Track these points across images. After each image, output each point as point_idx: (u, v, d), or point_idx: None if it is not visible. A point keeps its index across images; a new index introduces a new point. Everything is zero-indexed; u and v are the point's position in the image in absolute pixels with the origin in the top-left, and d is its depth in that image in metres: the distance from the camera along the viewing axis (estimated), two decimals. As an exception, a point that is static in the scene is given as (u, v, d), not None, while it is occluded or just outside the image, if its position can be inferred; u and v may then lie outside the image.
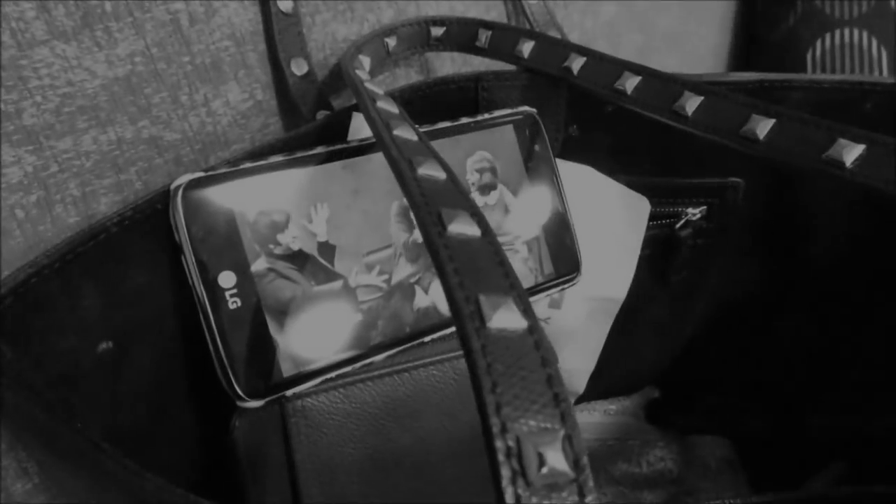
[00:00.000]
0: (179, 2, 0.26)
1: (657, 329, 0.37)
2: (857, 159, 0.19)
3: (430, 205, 0.14)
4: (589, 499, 0.11)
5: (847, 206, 0.30)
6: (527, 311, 0.13)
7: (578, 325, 0.31)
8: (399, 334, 0.24)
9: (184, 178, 0.21)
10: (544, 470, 0.11)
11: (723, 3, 0.63)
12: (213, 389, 0.22)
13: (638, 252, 0.31)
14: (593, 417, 0.38)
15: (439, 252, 0.13)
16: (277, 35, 0.28)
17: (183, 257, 0.21)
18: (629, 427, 0.38)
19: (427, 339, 0.24)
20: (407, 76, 0.35)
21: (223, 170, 0.21)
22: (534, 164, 0.28)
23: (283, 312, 0.22)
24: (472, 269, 0.13)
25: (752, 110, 0.22)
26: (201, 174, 0.21)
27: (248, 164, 0.22)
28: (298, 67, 0.29)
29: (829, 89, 0.27)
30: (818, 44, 0.59)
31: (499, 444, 0.11)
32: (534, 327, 0.13)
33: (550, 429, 0.11)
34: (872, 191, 0.18)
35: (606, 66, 0.26)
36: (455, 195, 0.15)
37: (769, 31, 0.63)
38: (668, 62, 0.56)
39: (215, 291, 0.21)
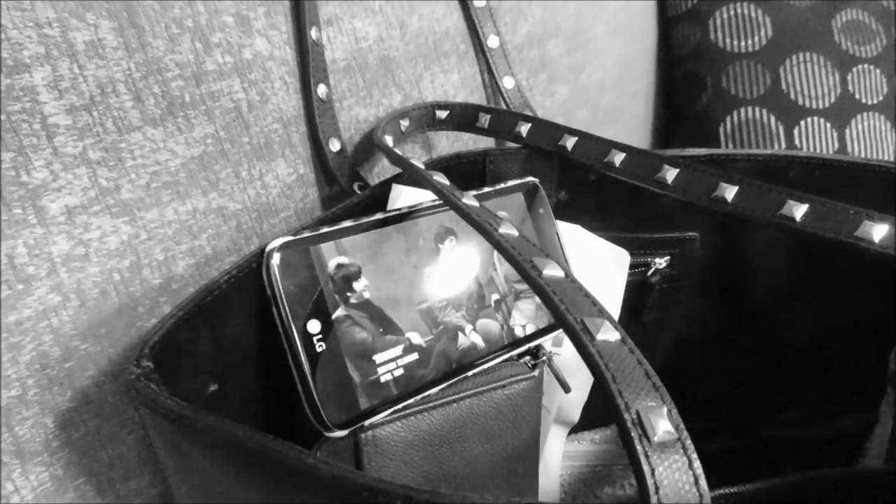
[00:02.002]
0: (240, 92, 0.30)
1: (631, 364, 0.42)
2: (804, 215, 0.25)
3: (571, 313, 0.18)
4: (690, 453, 0.15)
5: (783, 252, 0.37)
6: (617, 328, 0.18)
7: (576, 362, 0.36)
8: (447, 370, 0.28)
9: (276, 242, 0.25)
10: (658, 433, 0.15)
11: (648, 84, 0.72)
12: (289, 426, 0.25)
13: (622, 296, 0.37)
14: (583, 446, 0.42)
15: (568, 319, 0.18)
16: (318, 119, 0.33)
17: (275, 309, 0.24)
18: (613, 453, 0.43)
19: (470, 373, 0.29)
20: (412, 150, 0.40)
21: (306, 234, 0.25)
22: (539, 224, 0.33)
23: (357, 354, 0.26)
24: (574, 302, 0.18)
25: (720, 179, 0.28)
26: (290, 238, 0.25)
27: (325, 229, 0.26)
28: (334, 145, 0.33)
29: (763, 160, 0.35)
30: (728, 119, 0.70)
31: (626, 416, 0.15)
32: (625, 339, 0.17)
33: (657, 406, 0.16)
34: (821, 239, 0.25)
35: (596, 143, 0.33)
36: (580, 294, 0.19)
37: (686, 107, 0.73)
38: (608, 133, 0.64)
39: (305, 337, 0.24)
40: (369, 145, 0.36)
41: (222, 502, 0.19)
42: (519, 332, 0.31)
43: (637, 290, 0.39)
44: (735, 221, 0.38)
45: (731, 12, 0.70)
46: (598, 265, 0.36)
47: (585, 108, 0.59)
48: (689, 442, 0.15)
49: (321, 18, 0.33)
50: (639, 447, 0.15)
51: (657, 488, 0.15)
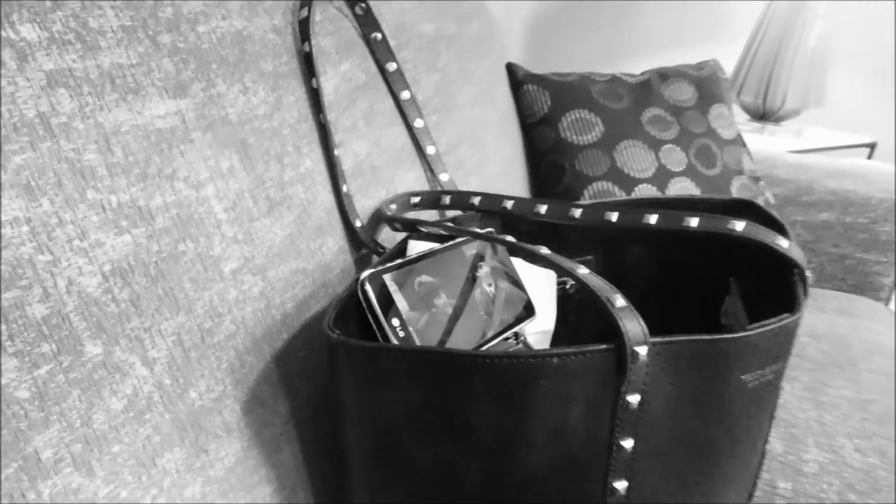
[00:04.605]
0: (303, 193, 0.45)
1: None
2: (697, 224, 0.45)
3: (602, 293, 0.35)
4: (637, 315, 0.32)
5: (646, 263, 0.57)
6: (618, 294, 0.35)
7: (533, 339, 0.53)
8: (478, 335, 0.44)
9: (365, 273, 0.40)
10: (617, 304, 0.32)
11: (523, 172, 0.95)
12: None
13: (555, 303, 0.54)
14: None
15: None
16: (347, 206, 0.49)
17: (370, 315, 0.39)
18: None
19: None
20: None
21: (380, 267, 0.41)
22: (501, 258, 0.51)
23: (420, 336, 0.41)
24: (602, 289, 0.35)
25: (605, 209, 0.48)
26: (374, 270, 0.40)
27: (388, 265, 0.41)
28: (357, 224, 0.49)
29: (632, 201, 0.55)
30: (585, 192, 0.93)
31: (607, 303, 0.32)
32: (615, 293, 0.35)
33: (618, 296, 0.33)
34: (706, 235, 0.44)
35: (527, 202, 0.51)
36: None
37: (553, 187, 0.96)
38: (505, 211, 0.84)
39: (393, 330, 0.39)
40: (376, 222, 0.52)
41: (396, 410, 0.33)
42: (505, 324, 0.47)
43: (561, 302, 0.57)
44: (615, 245, 0.58)
45: (573, 117, 0.95)
46: (538, 283, 0.54)
47: (490, 191, 0.79)
48: (635, 311, 0.33)
49: (336, 142, 0.50)
50: (614, 311, 0.32)
51: (626, 331, 0.32)
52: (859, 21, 1.87)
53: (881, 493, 0.59)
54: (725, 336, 0.33)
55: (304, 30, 0.48)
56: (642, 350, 0.31)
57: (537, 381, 0.30)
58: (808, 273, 0.40)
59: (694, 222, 0.43)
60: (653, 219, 0.45)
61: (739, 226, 0.41)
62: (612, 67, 2.11)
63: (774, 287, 0.44)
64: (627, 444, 0.33)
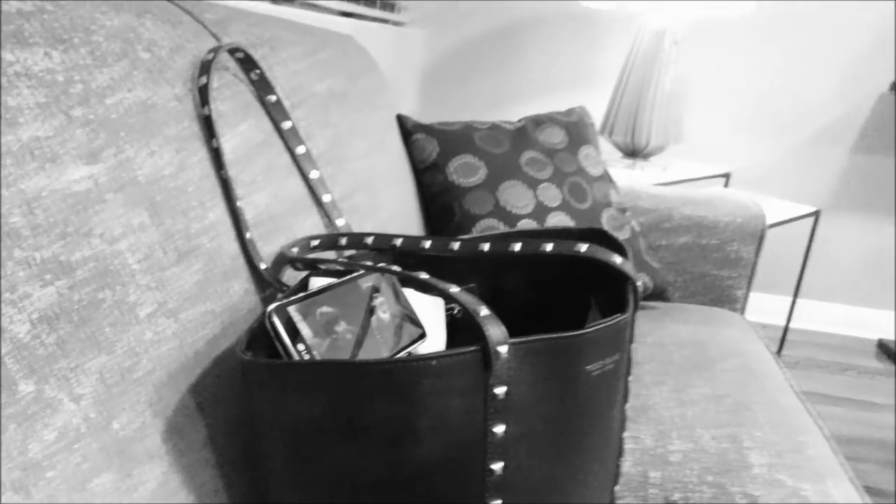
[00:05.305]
0: (209, 243, 0.50)
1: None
2: (552, 247, 0.53)
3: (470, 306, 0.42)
4: (497, 321, 0.40)
5: (520, 285, 0.65)
6: (483, 304, 0.42)
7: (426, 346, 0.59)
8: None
9: (272, 306, 0.45)
10: (482, 313, 0.40)
11: (417, 215, 1.03)
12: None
13: (444, 327, 0.61)
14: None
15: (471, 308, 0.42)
16: (251, 252, 0.54)
17: (277, 343, 0.44)
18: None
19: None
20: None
21: (284, 300, 0.46)
22: (395, 288, 0.57)
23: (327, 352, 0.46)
24: (471, 303, 0.42)
25: (482, 241, 0.56)
26: (279, 303, 0.46)
27: (291, 298, 0.47)
28: (261, 266, 0.54)
29: (501, 234, 0.63)
30: (473, 229, 1.02)
31: (474, 313, 0.40)
32: (482, 307, 0.42)
33: (484, 307, 0.40)
34: (560, 258, 0.52)
35: (413, 239, 0.58)
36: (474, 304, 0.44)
37: (445, 227, 1.05)
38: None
39: (299, 354, 0.45)
40: (279, 264, 0.58)
41: (303, 419, 0.38)
42: (400, 346, 0.54)
43: (449, 326, 0.64)
44: (494, 273, 0.66)
45: (459, 162, 1.05)
46: (427, 309, 0.61)
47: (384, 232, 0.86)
48: (497, 318, 0.40)
49: (238, 196, 0.55)
50: (479, 319, 0.39)
51: (490, 334, 0.39)
52: (712, 66, 2.13)
53: (731, 472, 0.69)
54: (570, 334, 0.41)
55: (203, 95, 0.54)
56: (503, 349, 0.39)
57: (420, 381, 0.37)
58: (638, 283, 0.50)
59: (549, 247, 0.51)
60: (517, 246, 0.53)
61: (583, 247, 0.50)
62: (500, 111, 2.27)
63: (619, 297, 0.53)
64: (499, 429, 0.40)
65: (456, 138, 1.08)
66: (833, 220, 2.19)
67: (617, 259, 0.49)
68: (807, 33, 2.03)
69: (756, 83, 2.10)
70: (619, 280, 0.53)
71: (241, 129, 0.59)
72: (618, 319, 0.43)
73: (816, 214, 1.75)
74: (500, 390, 0.39)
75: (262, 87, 0.64)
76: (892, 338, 2.25)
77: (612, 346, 0.43)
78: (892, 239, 2.17)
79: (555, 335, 0.40)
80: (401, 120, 1.12)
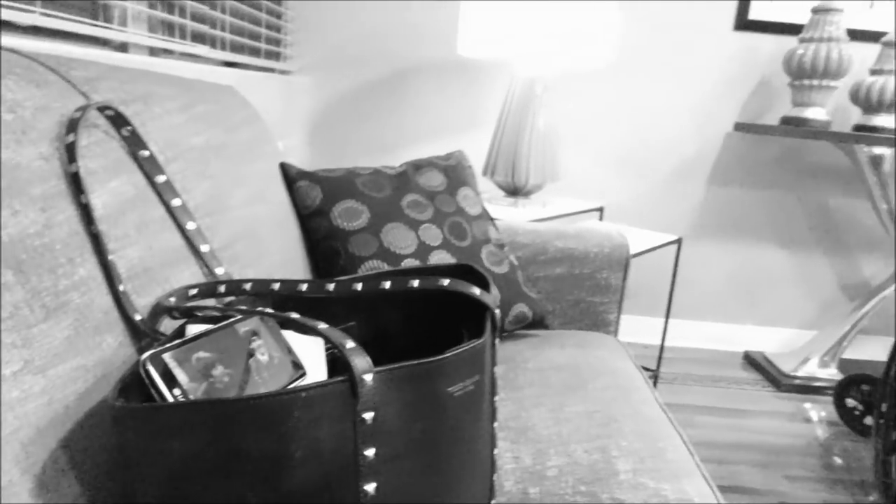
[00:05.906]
0: (79, 298, 0.51)
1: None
2: (418, 283, 0.57)
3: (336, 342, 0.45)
4: (363, 355, 0.43)
5: (397, 321, 0.69)
6: (351, 339, 0.46)
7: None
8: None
9: (146, 354, 0.46)
10: (348, 346, 0.43)
11: (304, 260, 1.05)
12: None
13: (325, 364, 0.64)
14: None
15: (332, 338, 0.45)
16: (126, 304, 0.54)
17: (153, 390, 0.45)
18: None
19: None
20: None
21: (160, 348, 0.48)
22: (274, 330, 0.59)
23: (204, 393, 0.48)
24: (339, 338, 0.46)
25: (355, 282, 0.59)
26: (154, 351, 0.47)
27: (165, 346, 0.48)
28: (136, 318, 0.55)
29: (377, 274, 0.67)
30: (359, 271, 1.06)
31: (340, 346, 0.43)
32: (349, 344, 0.45)
33: (353, 344, 0.44)
34: (425, 293, 0.56)
35: (290, 283, 0.61)
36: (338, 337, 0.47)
37: (331, 269, 1.08)
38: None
39: (175, 399, 0.46)
40: (156, 314, 0.58)
41: (181, 458, 0.40)
42: (280, 384, 0.56)
43: (331, 364, 0.67)
44: (373, 312, 0.70)
45: (342, 207, 1.09)
46: (308, 349, 0.63)
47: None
48: (362, 349, 0.44)
49: (110, 250, 0.56)
50: (345, 352, 0.43)
51: (355, 365, 0.42)
52: (581, 109, 2.32)
53: (601, 481, 0.76)
54: (430, 360, 0.45)
55: (70, 153, 0.55)
56: (368, 377, 0.42)
57: (291, 413, 0.40)
58: (496, 312, 0.55)
59: (416, 283, 0.56)
60: (386, 284, 0.57)
61: (445, 281, 0.55)
62: (388, 156, 2.33)
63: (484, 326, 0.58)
64: (370, 452, 0.43)
65: (339, 184, 1.12)
66: (694, 246, 2.41)
67: (476, 291, 0.54)
68: (661, 80, 2.26)
69: (620, 125, 2.30)
70: (483, 310, 0.59)
71: (113, 185, 0.60)
72: (474, 344, 0.48)
73: (679, 242, 1.93)
74: (369, 415, 0.42)
75: (133, 142, 0.65)
76: (756, 349, 2.49)
77: (471, 368, 0.48)
78: (745, 261, 2.42)
79: (416, 361, 0.44)
80: (284, 168, 1.14)
